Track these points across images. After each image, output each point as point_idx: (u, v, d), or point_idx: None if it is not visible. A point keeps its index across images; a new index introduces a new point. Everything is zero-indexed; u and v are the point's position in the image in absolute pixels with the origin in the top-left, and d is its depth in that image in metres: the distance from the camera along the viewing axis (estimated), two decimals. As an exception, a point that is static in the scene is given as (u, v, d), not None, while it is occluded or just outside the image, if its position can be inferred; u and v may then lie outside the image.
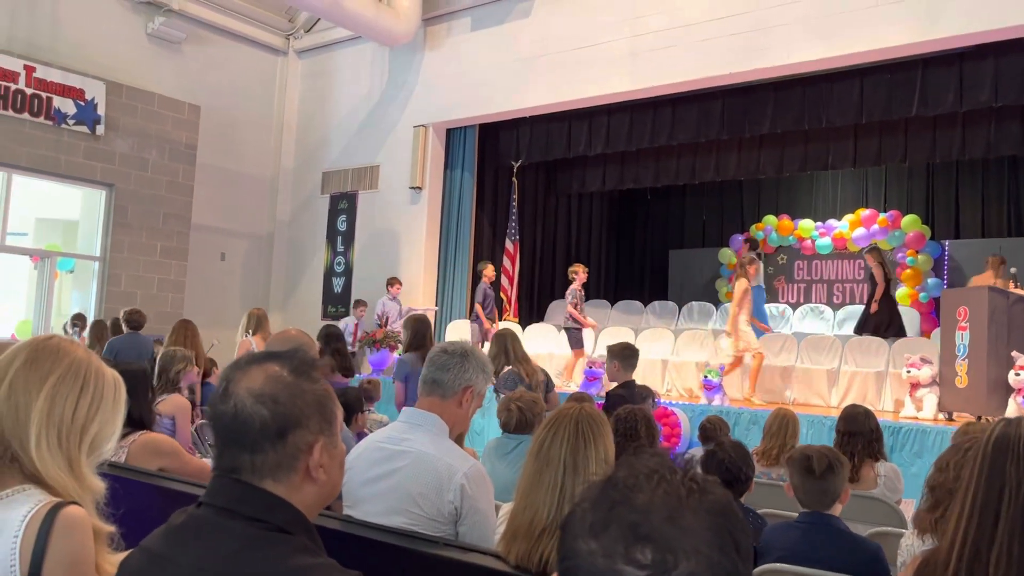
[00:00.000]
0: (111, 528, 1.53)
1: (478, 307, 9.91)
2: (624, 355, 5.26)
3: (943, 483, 2.19)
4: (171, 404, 4.43)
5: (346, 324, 10.51)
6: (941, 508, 2.12)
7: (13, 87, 9.46)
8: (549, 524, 1.87)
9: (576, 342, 9.32)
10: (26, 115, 9.58)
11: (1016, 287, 7.34)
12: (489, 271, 10.05)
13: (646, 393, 5.09)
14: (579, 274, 9.39)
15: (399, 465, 2.16)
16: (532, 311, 12.10)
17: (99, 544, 1.49)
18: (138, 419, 3.18)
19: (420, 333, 5.74)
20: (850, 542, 2.59)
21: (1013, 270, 7.61)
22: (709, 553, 0.72)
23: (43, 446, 1.48)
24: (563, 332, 9.59)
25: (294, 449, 1.20)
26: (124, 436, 3.10)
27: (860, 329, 9.32)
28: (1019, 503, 1.39)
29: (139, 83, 10.77)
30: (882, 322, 9.06)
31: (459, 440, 2.44)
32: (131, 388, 3.17)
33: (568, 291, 9.35)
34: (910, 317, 10.68)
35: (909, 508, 4.18)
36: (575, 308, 9.20)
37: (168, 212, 11.05)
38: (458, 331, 10.34)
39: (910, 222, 11.85)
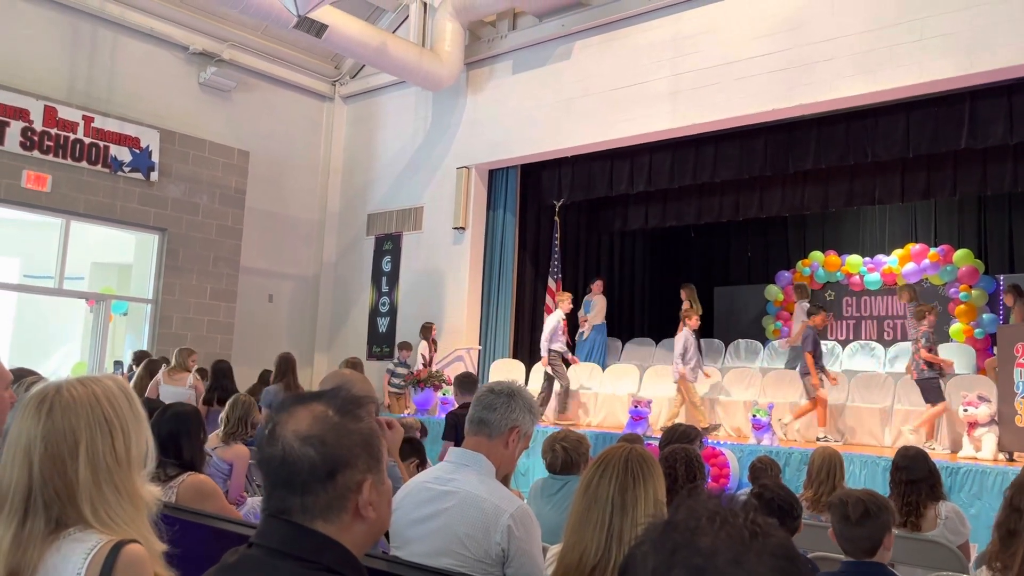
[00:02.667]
0: (173, 574, 1.55)
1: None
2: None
3: (1006, 521, 2.12)
4: (233, 451, 4.65)
5: (391, 368, 10.58)
6: (1012, 548, 2.05)
7: (72, 137, 9.82)
8: (598, 563, 1.85)
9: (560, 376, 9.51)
10: (84, 163, 9.92)
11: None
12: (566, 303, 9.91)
13: (693, 434, 5.01)
14: (564, 302, 9.63)
15: (446, 506, 2.15)
16: (573, 349, 12.03)
17: None
18: (188, 460, 3.25)
19: (281, 369, 7.20)
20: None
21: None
22: None
23: (100, 510, 1.48)
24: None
25: (343, 489, 1.21)
26: (174, 477, 3.16)
27: None
28: None
29: (191, 131, 11.11)
30: None
31: (505, 481, 2.43)
32: (183, 430, 3.27)
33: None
34: (965, 354, 10.40)
35: (973, 552, 4.03)
36: (551, 336, 9.43)
37: (218, 255, 11.29)
38: (501, 370, 10.33)
39: (962, 256, 11.59)
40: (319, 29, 9.62)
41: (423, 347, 10.60)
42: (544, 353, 9.47)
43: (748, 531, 0.75)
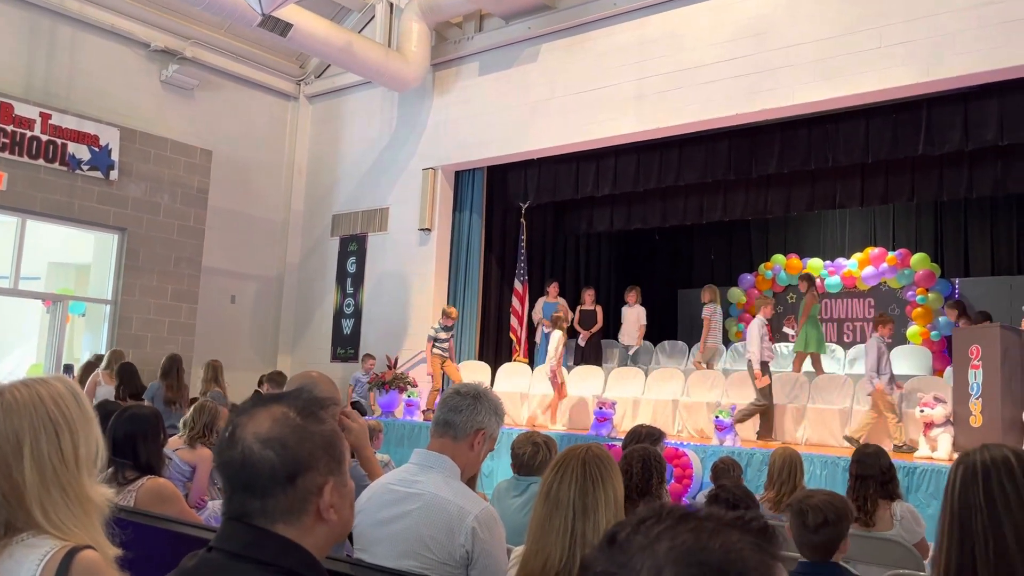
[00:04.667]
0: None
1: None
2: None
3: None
4: (196, 454, 4.61)
5: (356, 377, 10.53)
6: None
7: (29, 134, 9.61)
8: (561, 568, 1.85)
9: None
10: (41, 161, 9.72)
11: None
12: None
13: (657, 434, 5.05)
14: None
15: (410, 508, 2.14)
16: (533, 353, 12.05)
17: None
18: (146, 464, 3.19)
19: (166, 369, 7.60)
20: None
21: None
22: None
23: (51, 513, 1.45)
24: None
25: (304, 492, 1.20)
26: (132, 480, 3.10)
27: None
28: (988, 525, 1.48)
29: (152, 129, 10.93)
30: None
31: (471, 483, 2.42)
32: (142, 432, 3.22)
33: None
34: (922, 356, 10.61)
35: (931, 549, 4.11)
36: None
37: (179, 256, 11.13)
38: (467, 372, 10.31)
39: (919, 260, 11.84)
40: (284, 28, 9.53)
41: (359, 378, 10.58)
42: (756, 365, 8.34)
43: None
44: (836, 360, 11.32)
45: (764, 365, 8.37)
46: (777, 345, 12.06)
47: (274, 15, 9.02)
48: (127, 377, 7.85)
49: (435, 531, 2.09)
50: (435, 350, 9.94)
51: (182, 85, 11.41)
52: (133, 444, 3.13)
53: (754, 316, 8.84)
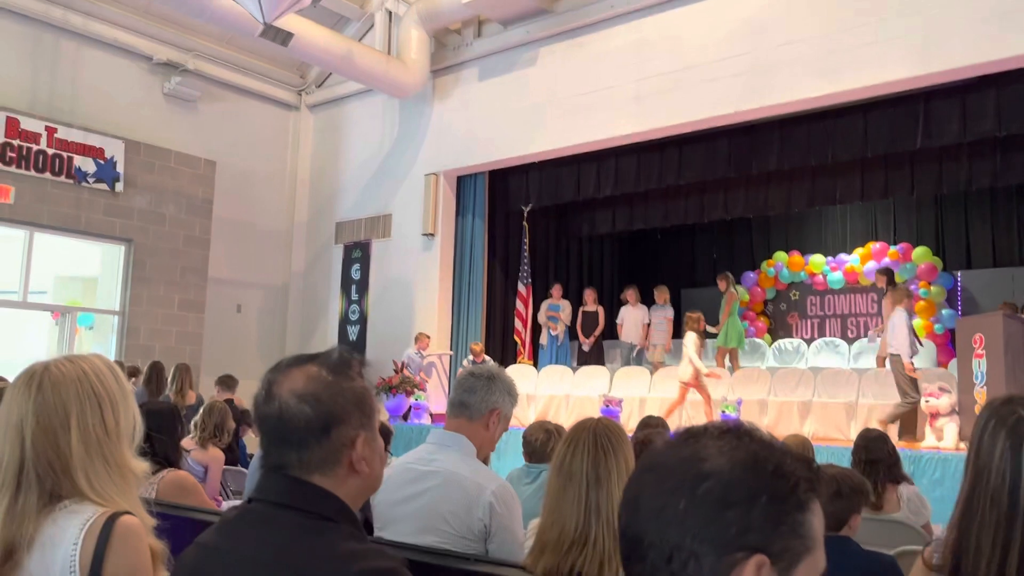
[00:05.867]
0: (164, 546, 1.58)
1: None
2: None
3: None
4: (207, 454, 4.67)
5: (409, 355, 10.60)
6: None
7: (35, 148, 9.71)
8: (577, 537, 1.90)
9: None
10: (48, 175, 9.81)
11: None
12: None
13: (663, 427, 5.09)
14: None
15: (429, 485, 2.21)
16: (537, 353, 12.11)
17: (155, 562, 1.54)
18: (165, 456, 3.26)
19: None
20: (865, 558, 2.61)
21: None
22: None
23: (94, 481, 1.52)
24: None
25: (338, 444, 1.27)
26: (153, 473, 3.17)
27: None
28: (989, 497, 1.42)
29: (157, 141, 11.03)
30: None
31: (485, 464, 2.48)
32: (160, 426, 3.28)
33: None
34: (926, 348, 10.65)
35: (936, 531, 4.16)
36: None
37: (185, 266, 11.21)
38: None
39: (921, 254, 11.88)
40: (285, 38, 9.63)
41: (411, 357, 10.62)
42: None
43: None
44: (840, 355, 11.37)
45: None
46: (783, 341, 12.12)
47: (275, 25, 9.12)
48: (155, 423, 7.92)
49: (454, 506, 2.15)
50: None
51: (185, 97, 11.51)
52: (151, 438, 3.19)
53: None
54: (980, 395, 6.83)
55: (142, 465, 1.62)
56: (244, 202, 12.28)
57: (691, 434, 0.91)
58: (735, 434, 0.88)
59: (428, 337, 10.74)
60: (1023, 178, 9.21)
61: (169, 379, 7.74)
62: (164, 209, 11.01)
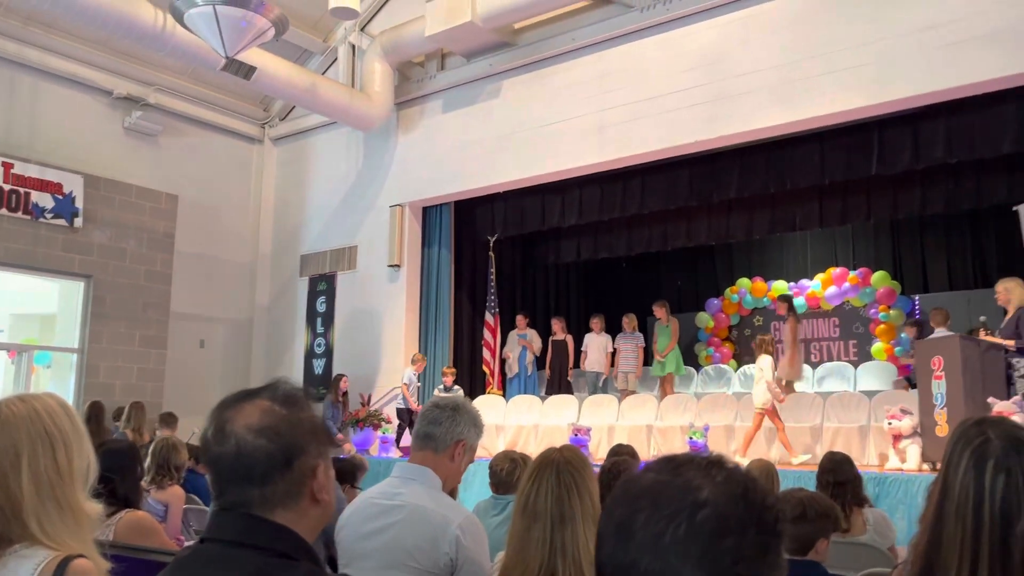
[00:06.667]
0: None
1: None
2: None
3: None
4: (168, 493, 4.56)
5: (409, 376, 10.48)
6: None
7: (-9, 184, 9.55)
8: (540, 575, 1.88)
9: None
10: (4, 211, 9.64)
11: (987, 334, 7.50)
12: None
13: (632, 456, 5.10)
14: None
15: (394, 520, 2.18)
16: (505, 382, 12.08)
17: None
18: (123, 497, 3.18)
19: (88, 416, 7.58)
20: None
21: (983, 319, 7.79)
22: None
23: (45, 524, 1.48)
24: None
25: (300, 475, 1.26)
26: (111, 515, 3.09)
27: None
28: (956, 515, 1.43)
29: (117, 175, 10.90)
30: None
31: (452, 496, 2.46)
32: (119, 466, 3.21)
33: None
34: (887, 371, 10.81)
35: (901, 554, 4.20)
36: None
37: (147, 301, 11.05)
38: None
39: (880, 278, 12.11)
40: (247, 71, 9.62)
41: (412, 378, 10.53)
42: None
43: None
44: (804, 379, 11.47)
45: None
46: (749, 367, 12.23)
47: (237, 59, 9.11)
48: (108, 462, 7.87)
49: (419, 540, 2.13)
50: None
51: (146, 131, 11.41)
52: (110, 478, 3.11)
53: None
54: (940, 416, 6.93)
55: (95, 507, 1.58)
56: (207, 236, 12.16)
57: (676, 462, 0.93)
58: (719, 465, 0.91)
59: (424, 357, 10.68)
60: (975, 203, 9.45)
61: (124, 418, 7.62)
62: (124, 244, 10.86)
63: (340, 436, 10.21)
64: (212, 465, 1.27)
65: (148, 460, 4.79)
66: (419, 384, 10.59)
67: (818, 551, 2.76)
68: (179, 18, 8.05)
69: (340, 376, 10.70)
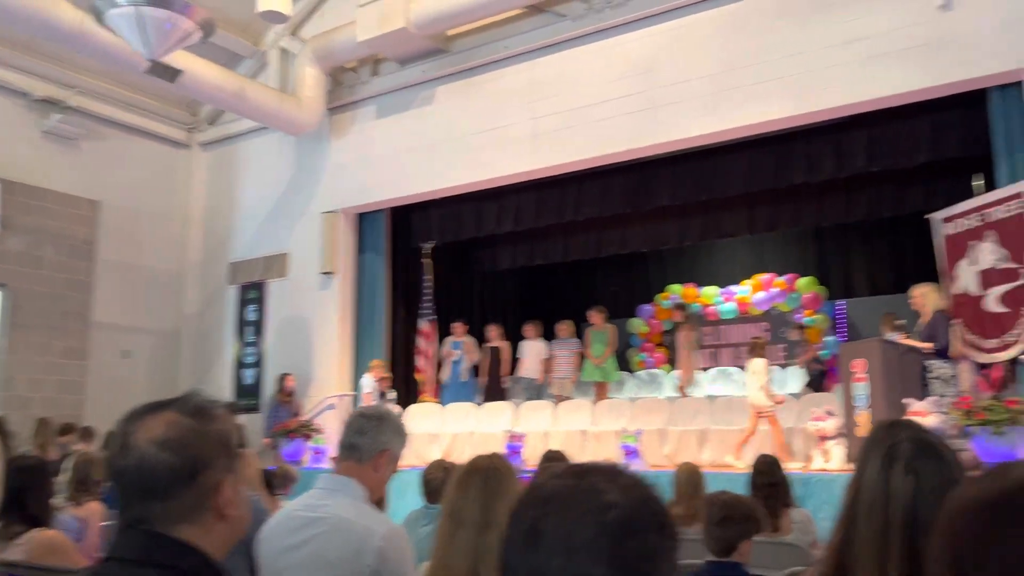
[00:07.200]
0: None
1: None
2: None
3: None
4: (86, 509, 4.42)
5: (370, 383, 10.18)
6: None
7: (-102, 188, 9.10)
8: None
9: None
10: (-88, 217, 9.20)
11: (906, 338, 7.78)
12: None
13: (565, 460, 5.12)
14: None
15: (316, 532, 2.13)
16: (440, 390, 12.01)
17: None
18: (33, 516, 3.05)
19: None
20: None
21: (902, 322, 8.08)
22: None
23: None
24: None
25: (205, 490, 1.21)
26: (21, 534, 2.96)
27: None
28: (866, 513, 1.49)
29: (35, 180, 10.51)
30: None
31: (380, 505, 2.42)
32: (28, 484, 3.07)
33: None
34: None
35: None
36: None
37: (67, 310, 10.65)
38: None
39: (806, 284, 12.44)
40: (173, 75, 9.37)
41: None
42: None
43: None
44: (735, 383, 11.71)
45: None
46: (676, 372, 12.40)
47: (162, 62, 8.87)
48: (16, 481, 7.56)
49: (342, 553, 2.08)
50: None
51: (66, 135, 11.02)
52: (21, 496, 2.98)
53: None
54: (861, 418, 7.15)
55: None
56: (131, 244, 11.80)
57: (581, 469, 0.95)
58: (622, 472, 0.94)
59: (381, 363, 10.42)
60: (895, 211, 9.78)
61: (32, 434, 7.35)
62: (42, 252, 10.46)
63: (267, 440, 10.01)
64: (115, 480, 1.23)
65: (69, 475, 4.63)
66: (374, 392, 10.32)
67: (741, 552, 2.81)
68: (100, 18, 7.81)
69: (285, 375, 10.53)
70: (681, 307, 10.77)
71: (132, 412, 1.27)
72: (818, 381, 10.34)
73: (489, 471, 2.00)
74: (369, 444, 2.27)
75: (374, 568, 2.07)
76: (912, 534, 1.41)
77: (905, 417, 6.67)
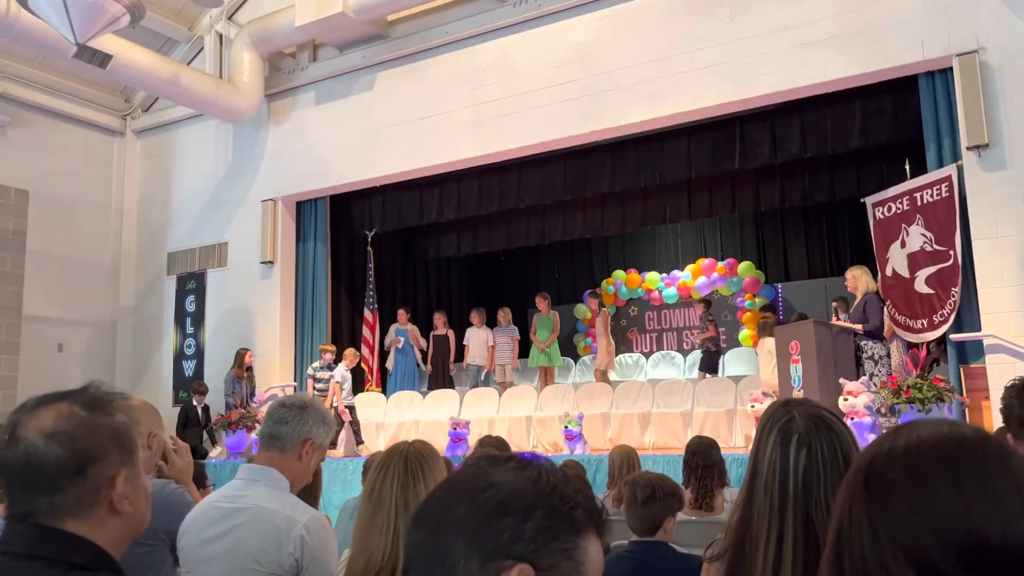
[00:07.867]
0: None
1: None
2: None
3: None
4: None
5: (316, 368, 10.04)
6: None
7: None
8: (384, 565, 1.86)
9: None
10: None
11: (838, 319, 7.98)
12: None
13: (505, 445, 5.14)
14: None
15: (237, 522, 2.11)
16: (385, 377, 11.96)
17: None
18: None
19: None
20: (678, 561, 2.73)
21: (835, 304, 8.28)
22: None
23: None
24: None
25: (95, 484, 1.19)
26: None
27: None
28: (764, 489, 1.53)
29: (-41, 169, 10.13)
30: None
31: (308, 498, 2.40)
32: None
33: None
34: (753, 357, 11.33)
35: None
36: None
37: (-4, 304, 10.32)
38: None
39: (746, 268, 12.68)
40: (102, 59, 9.11)
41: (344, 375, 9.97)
42: None
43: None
44: (676, 367, 11.90)
45: None
46: (624, 356, 12.57)
47: (92, 46, 8.61)
48: None
49: (263, 543, 2.07)
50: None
51: (-9, 122, 10.65)
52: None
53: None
54: (798, 397, 7.33)
55: None
56: (64, 234, 11.46)
57: (492, 459, 0.94)
58: (529, 460, 0.92)
59: (332, 348, 10.21)
60: (829, 196, 9.99)
61: None
62: (-32, 243, 10.10)
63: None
64: (2, 472, 1.19)
65: None
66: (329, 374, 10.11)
67: (666, 530, 2.86)
68: (24, 2, 7.53)
69: (244, 350, 10.33)
70: (595, 295, 11.06)
71: (25, 403, 1.23)
72: (711, 363, 10.87)
73: (410, 453, 2.00)
74: (291, 433, 2.25)
75: (296, 557, 2.06)
76: (806, 506, 1.45)
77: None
